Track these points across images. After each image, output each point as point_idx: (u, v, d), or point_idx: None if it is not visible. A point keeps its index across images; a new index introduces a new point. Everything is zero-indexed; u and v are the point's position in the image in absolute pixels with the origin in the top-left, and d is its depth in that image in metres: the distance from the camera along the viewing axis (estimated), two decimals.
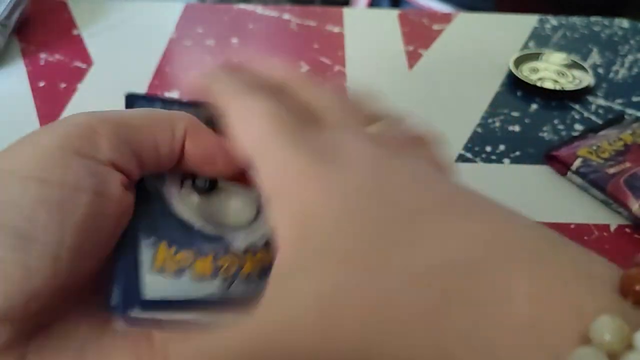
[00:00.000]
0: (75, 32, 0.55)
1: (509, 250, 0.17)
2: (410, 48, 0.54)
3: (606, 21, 0.62)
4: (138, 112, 0.24)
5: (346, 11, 0.60)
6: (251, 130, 0.22)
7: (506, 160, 0.42)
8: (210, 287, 0.22)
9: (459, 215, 0.19)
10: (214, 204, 0.24)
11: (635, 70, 0.54)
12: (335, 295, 0.18)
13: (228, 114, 0.23)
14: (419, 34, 0.56)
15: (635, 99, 0.50)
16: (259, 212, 0.24)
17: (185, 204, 0.23)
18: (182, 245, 0.22)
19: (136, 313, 0.21)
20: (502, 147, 0.43)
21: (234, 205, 0.24)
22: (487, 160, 0.42)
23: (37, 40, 0.54)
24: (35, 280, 0.20)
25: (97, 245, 0.23)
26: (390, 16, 0.60)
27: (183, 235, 0.22)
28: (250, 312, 0.19)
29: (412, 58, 0.53)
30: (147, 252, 0.22)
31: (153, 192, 0.24)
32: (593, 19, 0.62)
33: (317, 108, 0.23)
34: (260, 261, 0.23)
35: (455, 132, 0.45)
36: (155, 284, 0.21)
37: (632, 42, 0.59)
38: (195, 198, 0.24)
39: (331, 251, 0.18)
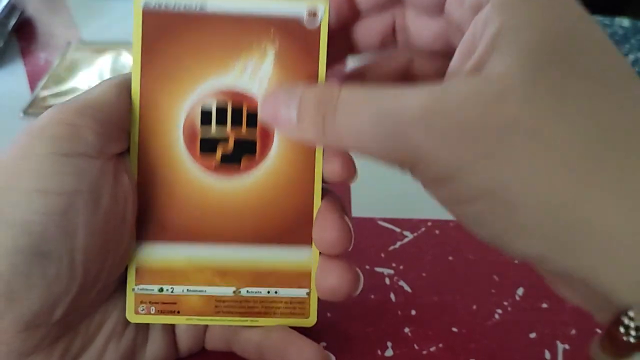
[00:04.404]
0: (75, 32, 0.55)
1: None
2: None
3: (607, 20, 0.62)
4: (103, 87, 0.24)
5: None
6: None
7: None
8: None
9: None
10: None
11: (636, 69, 0.54)
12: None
13: None
14: None
15: None
16: None
17: None
18: None
19: None
20: None
21: None
22: None
23: (36, 40, 0.54)
24: (56, 288, 0.21)
25: (110, 239, 0.23)
26: None
27: None
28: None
29: None
30: None
31: None
32: (593, 17, 0.62)
33: None
34: None
35: None
36: None
37: (632, 41, 0.58)
38: None
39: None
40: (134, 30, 0.24)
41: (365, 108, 0.19)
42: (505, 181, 0.17)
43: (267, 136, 0.25)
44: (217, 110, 0.24)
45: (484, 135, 0.17)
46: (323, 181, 0.26)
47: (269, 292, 0.26)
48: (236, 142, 0.25)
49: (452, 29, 0.23)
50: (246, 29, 0.24)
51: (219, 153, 0.25)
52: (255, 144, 0.25)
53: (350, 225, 0.25)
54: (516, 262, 0.34)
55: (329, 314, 0.31)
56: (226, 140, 0.25)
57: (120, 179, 0.23)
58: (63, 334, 0.23)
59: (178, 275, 0.26)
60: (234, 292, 0.26)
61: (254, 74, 0.24)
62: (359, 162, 0.41)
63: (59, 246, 0.21)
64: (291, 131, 0.23)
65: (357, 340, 0.30)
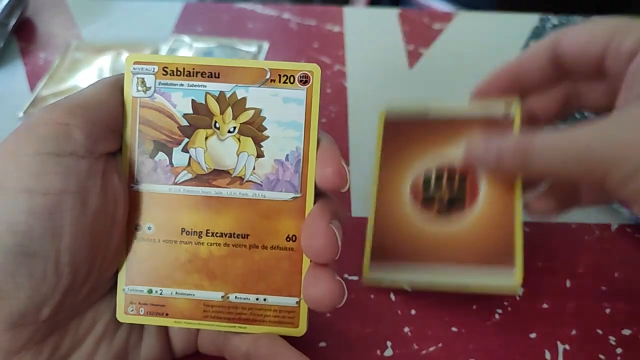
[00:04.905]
0: (75, 31, 0.55)
1: None
2: (411, 47, 0.54)
3: None
4: (96, 86, 0.24)
5: (346, 10, 0.60)
6: None
7: None
8: None
9: None
10: None
11: None
12: None
13: None
14: (420, 33, 0.56)
15: None
16: None
17: None
18: None
19: None
20: None
21: None
22: None
23: (36, 40, 0.54)
24: (43, 287, 0.21)
25: (100, 239, 0.23)
26: (390, 15, 0.59)
27: None
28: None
29: (413, 57, 0.53)
30: None
31: None
32: (594, 17, 0.62)
33: None
34: None
35: None
36: None
37: None
38: None
39: None
40: (377, 131, 0.34)
41: (558, 149, 0.26)
42: None
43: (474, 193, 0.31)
44: (436, 177, 0.32)
45: None
46: (316, 188, 0.25)
47: (257, 299, 0.26)
48: (449, 200, 0.32)
49: (613, 82, 0.29)
50: (457, 127, 0.33)
51: (435, 207, 0.32)
52: (464, 199, 0.31)
53: (338, 233, 0.24)
54: None
55: (328, 314, 0.31)
56: (442, 198, 0.32)
57: (110, 179, 0.23)
58: (52, 333, 0.23)
59: (167, 277, 0.26)
60: (223, 297, 0.26)
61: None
62: (359, 163, 0.41)
63: (45, 246, 0.21)
64: (490, 165, 0.29)
65: (357, 340, 0.30)
